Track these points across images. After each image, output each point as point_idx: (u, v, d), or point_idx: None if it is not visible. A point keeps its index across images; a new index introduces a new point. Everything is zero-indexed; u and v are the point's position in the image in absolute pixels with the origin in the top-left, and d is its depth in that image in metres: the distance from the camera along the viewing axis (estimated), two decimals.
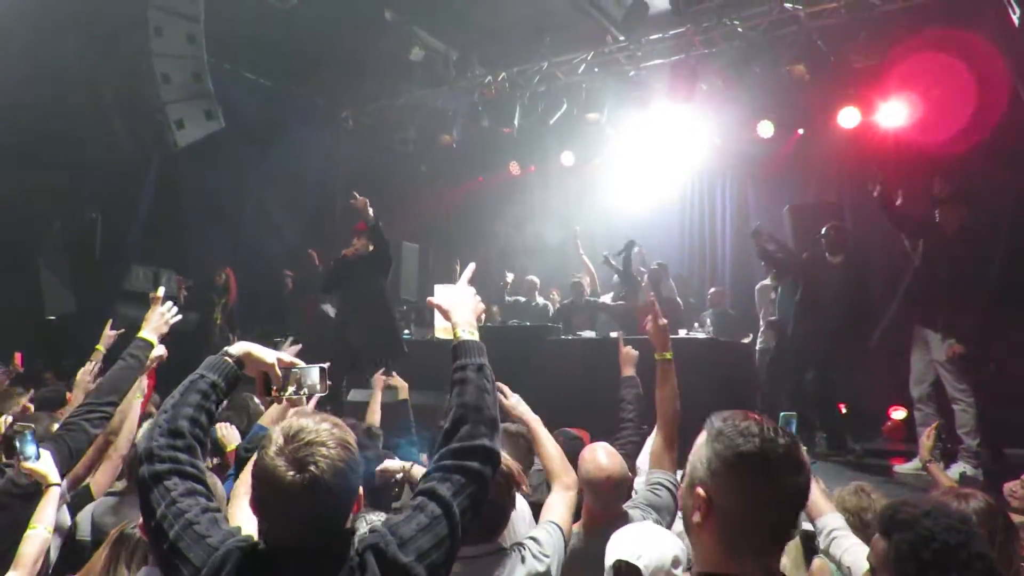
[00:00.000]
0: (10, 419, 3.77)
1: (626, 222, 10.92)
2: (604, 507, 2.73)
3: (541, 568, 2.31)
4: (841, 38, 8.02)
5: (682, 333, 7.67)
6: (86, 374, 4.15)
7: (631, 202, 11.10)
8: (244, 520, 1.93)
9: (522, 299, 9.77)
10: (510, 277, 9.69)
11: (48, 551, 2.78)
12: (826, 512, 2.60)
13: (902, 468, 5.99)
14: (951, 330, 5.73)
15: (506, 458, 2.40)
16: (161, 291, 3.21)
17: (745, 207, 10.74)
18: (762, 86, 8.67)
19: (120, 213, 8.78)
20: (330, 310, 9.14)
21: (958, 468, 5.54)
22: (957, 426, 5.72)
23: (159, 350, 3.19)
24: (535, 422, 2.90)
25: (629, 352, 3.85)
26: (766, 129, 9.34)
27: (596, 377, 5.73)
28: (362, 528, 1.65)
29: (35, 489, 2.80)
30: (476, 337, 1.93)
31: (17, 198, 7.75)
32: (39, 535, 2.58)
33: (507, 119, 10.23)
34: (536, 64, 9.93)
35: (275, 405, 2.73)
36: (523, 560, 2.30)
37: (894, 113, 8.18)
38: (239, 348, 1.95)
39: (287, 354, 2.04)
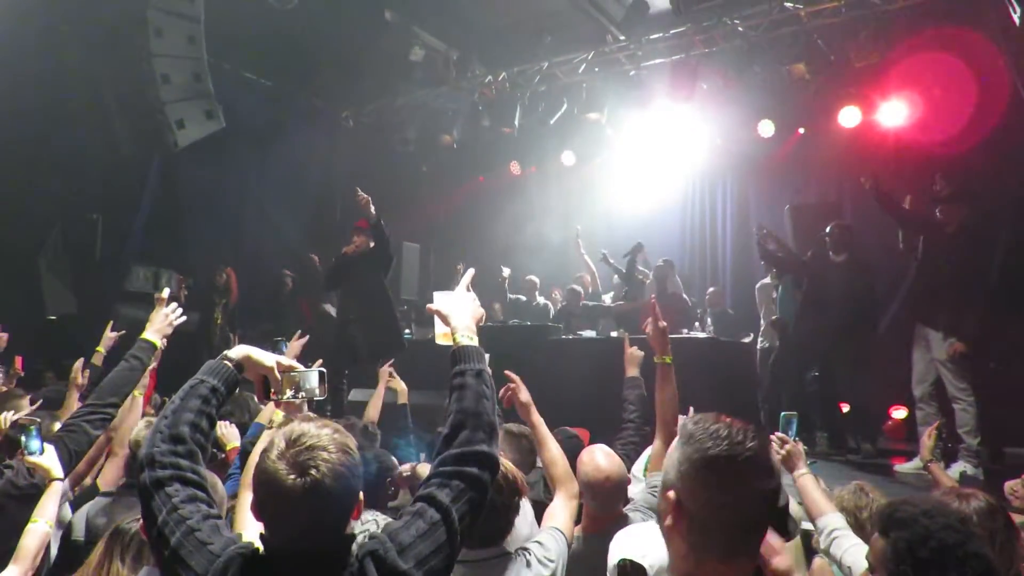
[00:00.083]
0: (10, 415, 3.77)
1: (627, 221, 10.93)
2: (603, 509, 2.73)
3: (546, 573, 2.31)
4: (842, 37, 8.02)
5: (684, 332, 7.68)
6: (78, 372, 4.16)
7: (632, 201, 11.11)
8: (250, 514, 1.94)
9: (523, 298, 9.77)
10: (507, 272, 9.68)
11: (48, 547, 2.78)
12: (826, 512, 2.61)
13: (903, 467, 5.99)
14: (952, 329, 5.73)
15: (511, 466, 2.41)
16: (166, 292, 3.21)
17: (746, 206, 10.74)
18: (763, 85, 8.68)
19: (120, 213, 8.78)
20: (331, 309, 9.15)
21: (958, 467, 5.53)
22: (957, 425, 5.72)
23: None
24: (541, 427, 2.90)
25: (634, 353, 3.85)
26: (767, 128, 9.34)
27: (597, 377, 5.75)
28: (356, 528, 1.65)
29: (34, 491, 2.80)
30: (475, 342, 1.93)
31: (18, 199, 7.75)
32: (40, 529, 2.58)
33: (508, 119, 10.23)
34: (536, 64, 9.93)
35: (271, 407, 2.74)
36: (528, 564, 2.31)
37: (895, 112, 8.19)
38: (238, 352, 1.96)
39: (286, 357, 2.05)
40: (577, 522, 2.77)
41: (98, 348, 4.45)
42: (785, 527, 2.40)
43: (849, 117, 8.67)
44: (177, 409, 1.76)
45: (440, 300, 2.04)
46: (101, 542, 2.52)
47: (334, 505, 1.52)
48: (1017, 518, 2.52)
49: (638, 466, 3.39)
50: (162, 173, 9.00)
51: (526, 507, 2.94)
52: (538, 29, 9.50)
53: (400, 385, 4.99)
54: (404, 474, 3.61)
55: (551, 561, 2.34)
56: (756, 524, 1.39)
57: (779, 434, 2.89)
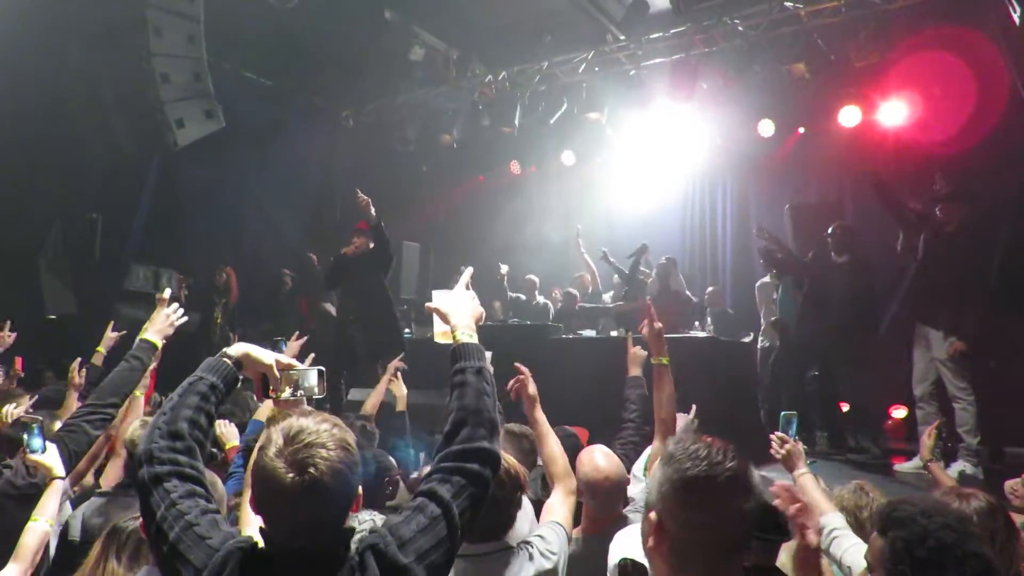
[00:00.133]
0: (12, 408, 3.77)
1: (627, 221, 10.93)
2: (603, 509, 2.72)
3: (549, 565, 2.32)
4: (842, 37, 8.01)
5: (686, 332, 7.68)
6: (75, 372, 4.16)
7: (632, 201, 11.11)
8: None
9: (522, 297, 9.77)
10: (505, 269, 9.66)
11: (48, 546, 2.78)
12: (826, 511, 2.60)
13: (903, 467, 5.99)
14: (952, 328, 5.74)
15: (513, 460, 2.41)
16: (167, 293, 3.21)
17: (746, 206, 10.74)
18: (763, 85, 8.68)
19: (120, 213, 8.77)
20: (331, 308, 9.15)
21: (958, 467, 5.54)
22: (957, 424, 5.73)
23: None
24: (543, 422, 2.90)
25: (637, 352, 3.85)
26: (767, 128, 9.34)
27: (597, 376, 5.74)
28: (369, 526, 1.65)
29: (32, 491, 2.80)
30: (475, 340, 1.93)
31: (17, 198, 7.75)
32: (40, 527, 2.58)
33: (508, 118, 10.23)
34: (536, 63, 9.93)
35: (269, 402, 2.73)
36: (531, 558, 2.31)
37: (895, 112, 8.19)
38: (237, 349, 1.96)
39: (285, 356, 2.05)
40: (577, 523, 2.77)
41: (98, 348, 4.44)
42: (785, 527, 2.41)
43: (849, 117, 8.67)
44: (176, 406, 1.76)
45: (439, 298, 2.04)
46: (98, 541, 2.52)
47: (333, 503, 1.52)
48: (1017, 518, 2.52)
49: (638, 466, 3.39)
50: (162, 173, 8.99)
51: (526, 504, 2.94)
52: (538, 29, 9.50)
53: (400, 390, 4.97)
54: (412, 476, 3.61)
55: (553, 554, 2.35)
56: (736, 544, 1.39)
57: (779, 433, 2.89)
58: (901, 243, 6.38)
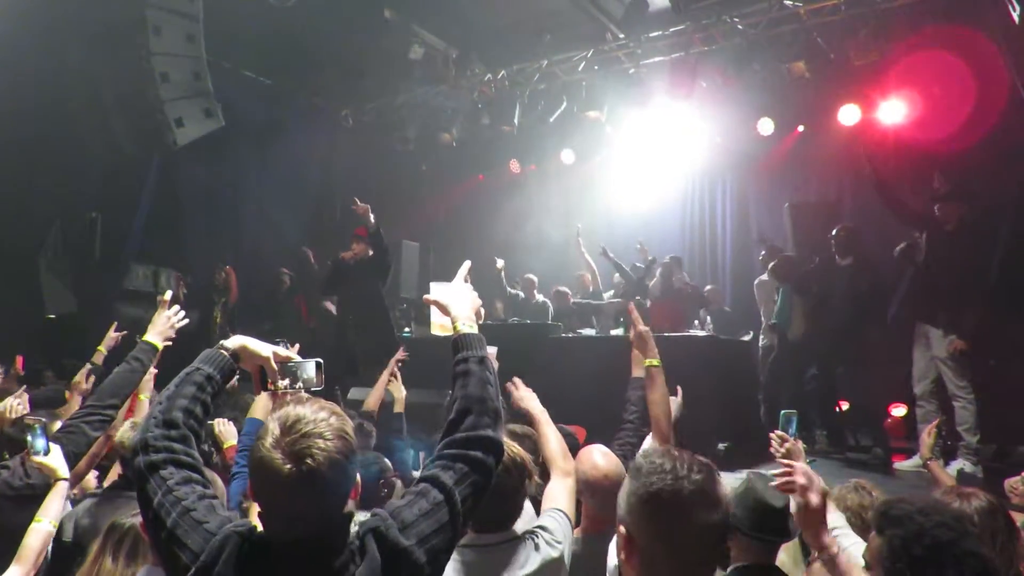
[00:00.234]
0: (13, 402, 3.77)
1: (626, 220, 10.94)
2: (602, 509, 2.72)
3: (555, 554, 2.31)
4: (841, 35, 8.01)
5: (688, 331, 7.70)
6: (82, 379, 4.15)
7: (631, 200, 11.11)
8: None
9: (521, 295, 9.77)
10: (501, 263, 9.67)
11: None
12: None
13: (902, 465, 6.00)
14: (952, 327, 5.74)
15: (519, 449, 2.41)
16: (168, 295, 3.20)
17: (745, 204, 10.74)
18: (762, 83, 8.67)
19: (120, 212, 8.77)
20: (331, 307, 9.14)
21: (957, 465, 5.54)
22: (957, 423, 5.73)
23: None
24: (541, 414, 2.90)
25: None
26: (766, 126, 9.35)
27: (597, 376, 5.74)
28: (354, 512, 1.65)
29: (29, 492, 2.80)
30: (476, 330, 1.93)
31: (17, 198, 7.75)
32: (43, 528, 2.57)
33: (507, 117, 10.23)
34: (536, 62, 9.93)
35: (263, 398, 2.72)
36: (537, 548, 2.30)
37: (894, 110, 8.20)
38: (235, 341, 1.95)
39: (283, 348, 2.04)
40: (577, 523, 2.77)
41: (99, 348, 4.45)
42: (785, 527, 2.41)
43: (849, 115, 8.67)
44: (172, 396, 1.76)
45: (437, 291, 2.04)
46: (97, 539, 2.52)
47: (330, 492, 1.51)
48: (1018, 517, 2.52)
49: None
50: (161, 172, 8.99)
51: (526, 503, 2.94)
52: (538, 27, 9.50)
53: (399, 392, 4.96)
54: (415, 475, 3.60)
55: (559, 542, 2.34)
56: (704, 558, 1.39)
57: (779, 432, 2.89)
58: (900, 249, 6.35)
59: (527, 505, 2.84)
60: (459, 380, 1.82)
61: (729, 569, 2.38)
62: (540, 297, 9.74)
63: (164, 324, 3.07)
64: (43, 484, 2.80)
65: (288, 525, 1.51)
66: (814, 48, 8.19)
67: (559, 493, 2.58)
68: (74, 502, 3.24)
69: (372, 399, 4.98)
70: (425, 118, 11.01)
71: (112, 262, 8.60)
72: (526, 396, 2.98)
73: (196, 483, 1.63)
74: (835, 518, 2.56)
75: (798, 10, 8.08)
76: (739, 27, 8.46)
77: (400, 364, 5.09)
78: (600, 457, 2.76)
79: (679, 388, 3.60)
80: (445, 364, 1.89)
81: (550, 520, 2.43)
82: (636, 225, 10.58)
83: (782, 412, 2.98)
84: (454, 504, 1.62)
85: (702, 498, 1.36)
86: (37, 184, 7.87)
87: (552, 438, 2.78)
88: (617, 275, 9.37)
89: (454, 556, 2.21)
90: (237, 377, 2.02)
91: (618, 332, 7.57)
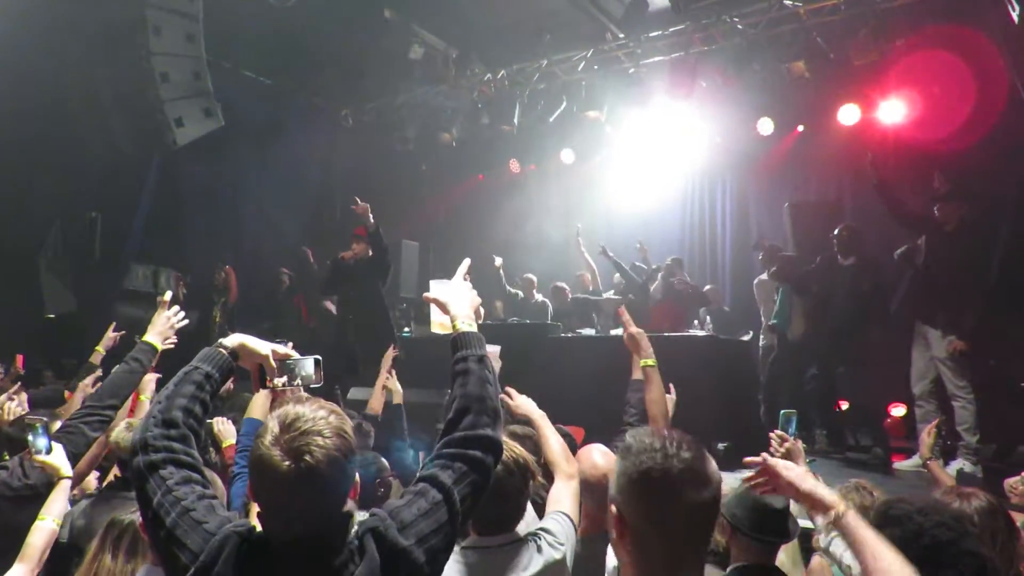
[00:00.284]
0: (12, 405, 3.77)
1: (626, 219, 10.94)
2: (602, 509, 2.71)
3: (558, 556, 2.31)
4: (841, 35, 8.01)
5: (689, 330, 7.70)
6: (88, 384, 4.15)
7: (631, 199, 11.10)
8: None
9: (520, 294, 9.76)
10: (499, 261, 9.66)
11: None
12: None
13: (902, 465, 6.00)
14: (951, 327, 5.74)
15: (521, 450, 2.40)
16: (168, 295, 3.19)
17: (745, 204, 10.74)
18: (762, 83, 8.67)
19: (120, 212, 8.78)
20: (331, 306, 9.14)
21: (957, 465, 5.54)
22: (956, 423, 5.73)
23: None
24: (541, 418, 2.90)
25: None
26: (766, 126, 9.35)
27: (597, 376, 5.74)
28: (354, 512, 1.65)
29: (28, 492, 2.79)
30: (475, 329, 1.93)
31: (17, 198, 7.76)
32: (47, 526, 2.56)
33: (507, 117, 10.23)
34: (536, 62, 9.92)
35: (260, 397, 2.72)
36: (540, 550, 2.30)
37: (894, 110, 8.20)
38: (233, 340, 1.95)
39: (281, 346, 2.04)
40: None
41: (97, 348, 4.45)
42: (785, 528, 2.41)
43: (848, 115, 8.68)
44: (171, 395, 1.75)
45: (437, 289, 2.04)
46: (96, 537, 2.51)
47: (329, 490, 1.51)
48: (1018, 517, 2.52)
49: None
50: (161, 172, 9.00)
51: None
52: (537, 27, 9.49)
53: (395, 386, 4.98)
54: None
55: (561, 544, 2.34)
56: (693, 534, 1.39)
57: (778, 432, 2.89)
58: (900, 252, 6.34)
59: (529, 507, 2.84)
60: (458, 379, 1.82)
61: (729, 569, 2.38)
62: (539, 297, 9.74)
63: (164, 325, 3.07)
64: (42, 484, 2.80)
65: (287, 523, 1.51)
66: (814, 48, 8.19)
67: (563, 496, 2.58)
68: (72, 503, 3.24)
69: (375, 401, 4.98)
70: (425, 118, 11.01)
71: (112, 262, 8.60)
72: (522, 404, 2.98)
73: (195, 483, 1.63)
74: None
75: (798, 10, 8.07)
76: (739, 27, 8.45)
77: (393, 362, 5.10)
78: (600, 457, 2.76)
79: (671, 386, 3.61)
80: (445, 363, 1.89)
81: (553, 523, 2.43)
82: (636, 225, 10.57)
83: (782, 412, 2.98)
84: (453, 504, 1.62)
85: (692, 476, 1.36)
86: (37, 184, 7.88)
87: (555, 442, 2.78)
88: (617, 275, 9.37)
89: (456, 557, 2.21)
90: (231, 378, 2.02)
91: (618, 332, 7.55)
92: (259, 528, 1.55)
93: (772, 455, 2.84)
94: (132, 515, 2.48)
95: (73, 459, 2.86)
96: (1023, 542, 2.33)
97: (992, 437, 6.08)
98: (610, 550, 2.28)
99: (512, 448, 2.33)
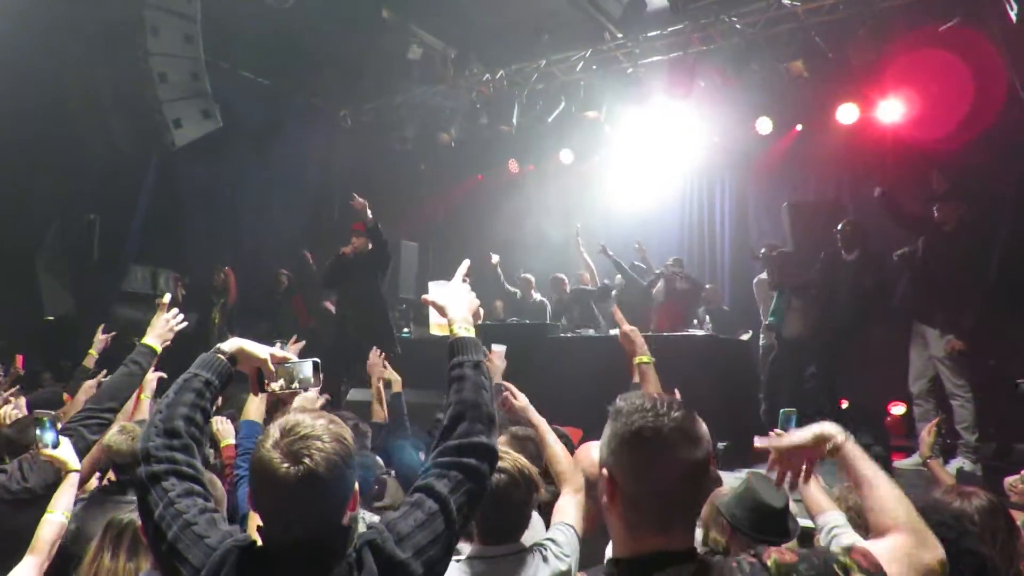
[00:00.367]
0: (9, 409, 3.76)
1: (625, 219, 10.93)
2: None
3: (563, 567, 2.31)
4: (839, 35, 8.01)
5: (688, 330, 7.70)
6: (91, 387, 4.14)
7: (630, 199, 11.09)
8: None
9: (518, 293, 9.77)
10: (496, 258, 9.65)
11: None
12: (827, 509, 2.60)
13: (902, 464, 5.99)
14: (950, 326, 5.74)
15: (525, 461, 2.40)
16: (167, 298, 3.19)
17: (744, 204, 10.75)
18: (760, 83, 8.67)
19: (118, 213, 8.77)
20: (330, 306, 9.14)
21: (956, 464, 5.55)
22: (956, 422, 5.74)
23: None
24: (542, 425, 2.90)
25: None
26: (765, 126, 9.35)
27: (597, 376, 5.73)
28: (360, 527, 1.65)
29: (27, 496, 2.79)
30: (472, 333, 1.93)
31: (16, 199, 7.75)
32: (56, 520, 2.57)
33: (506, 117, 10.22)
34: (534, 62, 9.92)
35: (256, 400, 2.72)
36: (545, 560, 2.31)
37: (892, 109, 8.21)
38: (232, 345, 1.95)
39: (279, 350, 2.04)
40: None
41: (90, 351, 4.43)
42: (785, 527, 2.41)
43: (847, 114, 8.68)
44: (171, 403, 1.75)
45: (435, 291, 2.04)
46: (96, 538, 2.51)
47: (328, 494, 1.52)
48: (1018, 516, 2.51)
49: None
50: (160, 173, 8.99)
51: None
52: (536, 27, 9.49)
53: (394, 375, 4.97)
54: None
55: (567, 556, 2.34)
56: (685, 494, 1.39)
57: (778, 431, 2.89)
58: (900, 255, 6.34)
59: (535, 517, 2.84)
60: (454, 385, 1.81)
61: None
62: (537, 296, 9.74)
63: (163, 327, 3.07)
64: (41, 487, 2.80)
65: (286, 527, 1.52)
66: (812, 47, 8.19)
67: (569, 509, 2.58)
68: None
69: (377, 409, 4.95)
70: (424, 118, 11.00)
71: (111, 263, 8.60)
72: (526, 406, 2.97)
73: (197, 495, 1.63)
74: (836, 517, 2.56)
75: (796, 9, 8.08)
76: (737, 26, 8.45)
77: (388, 357, 5.09)
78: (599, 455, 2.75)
79: (676, 390, 3.60)
80: (444, 364, 1.89)
81: (559, 533, 2.43)
82: (635, 224, 10.57)
83: (782, 411, 2.99)
84: (449, 513, 1.62)
85: (683, 435, 1.36)
86: (36, 184, 7.87)
87: (560, 455, 2.77)
88: (619, 276, 9.38)
89: (463, 567, 2.22)
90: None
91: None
92: (259, 542, 1.55)
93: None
94: (131, 514, 2.48)
95: None
96: (1023, 541, 2.33)
97: (992, 436, 6.09)
98: (609, 547, 2.28)
99: (517, 459, 2.34)
